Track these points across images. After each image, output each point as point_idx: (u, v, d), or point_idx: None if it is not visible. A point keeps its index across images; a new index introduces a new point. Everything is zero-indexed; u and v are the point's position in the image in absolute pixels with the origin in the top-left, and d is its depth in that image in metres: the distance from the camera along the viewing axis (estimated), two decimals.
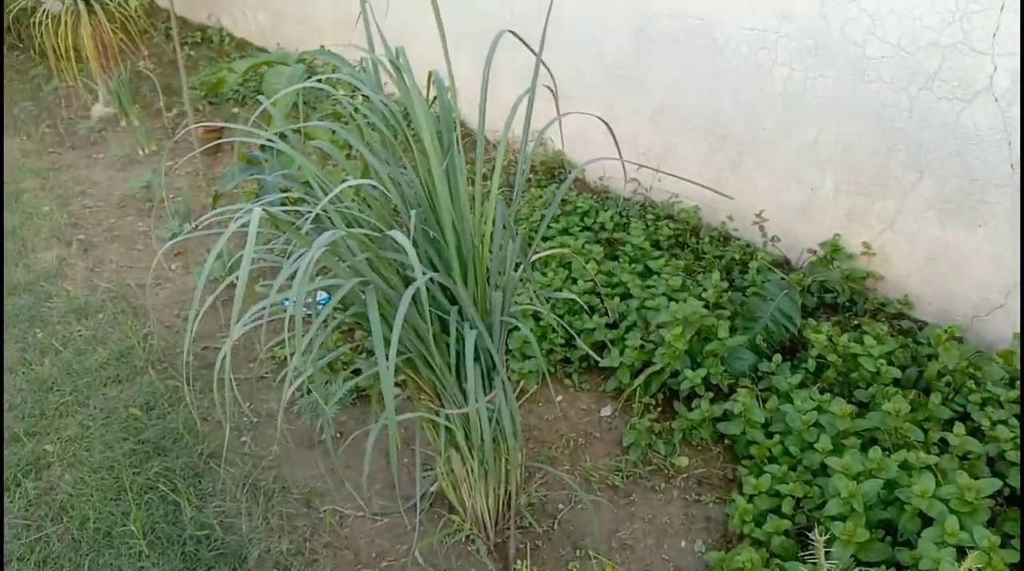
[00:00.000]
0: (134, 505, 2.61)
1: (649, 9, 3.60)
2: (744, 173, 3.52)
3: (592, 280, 3.21)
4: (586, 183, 4.33)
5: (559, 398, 3.02)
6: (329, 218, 2.04)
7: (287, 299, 3.71)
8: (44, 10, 5.39)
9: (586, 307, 3.10)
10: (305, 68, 3.17)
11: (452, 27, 2.24)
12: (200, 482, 2.71)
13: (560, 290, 3.19)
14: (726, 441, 2.72)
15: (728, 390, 2.82)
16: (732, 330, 2.91)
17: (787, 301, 2.87)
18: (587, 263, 3.30)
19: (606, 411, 2.93)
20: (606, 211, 3.76)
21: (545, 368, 3.06)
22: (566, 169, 4.33)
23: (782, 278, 3.03)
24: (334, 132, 2.85)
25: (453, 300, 2.13)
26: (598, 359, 2.95)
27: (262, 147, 3.26)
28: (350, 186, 1.92)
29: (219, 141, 5.34)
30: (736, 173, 3.55)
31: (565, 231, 3.70)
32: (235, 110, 5.99)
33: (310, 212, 2.24)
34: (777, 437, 2.52)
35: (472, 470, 2.35)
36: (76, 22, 5.36)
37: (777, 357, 2.77)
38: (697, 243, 3.59)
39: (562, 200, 4.07)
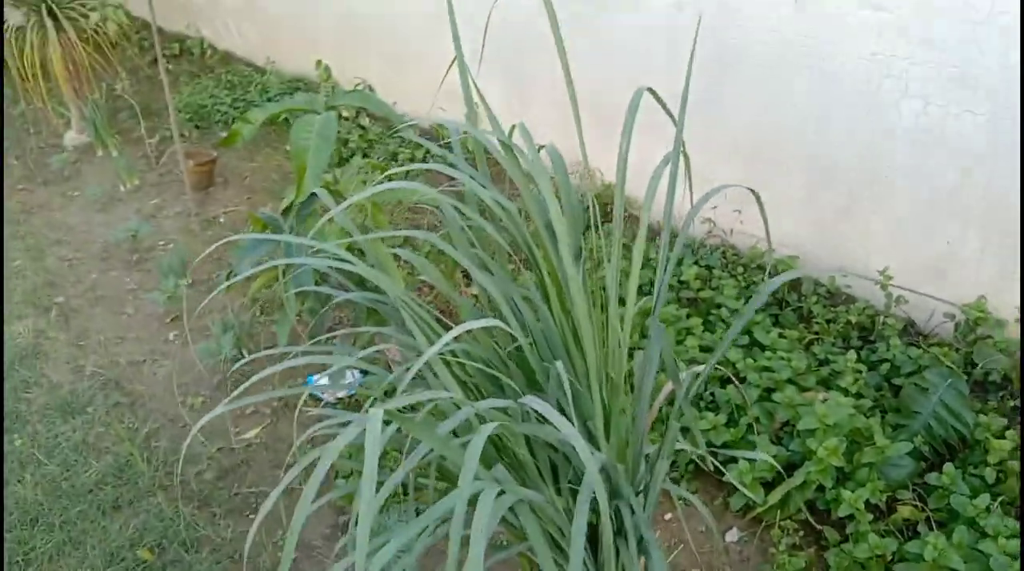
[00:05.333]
0: None
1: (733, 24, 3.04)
2: (857, 220, 2.98)
3: (694, 361, 2.66)
4: (638, 219, 3.77)
5: (667, 515, 2.47)
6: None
7: (311, 378, 3.11)
8: (8, 24, 4.73)
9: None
10: (337, 116, 2.58)
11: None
12: None
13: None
14: None
15: (887, 507, 2.30)
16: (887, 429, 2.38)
17: (953, 394, 2.34)
18: (683, 339, 2.75)
19: (732, 536, 2.38)
20: (689, 266, 3.20)
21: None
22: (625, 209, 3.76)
23: (946, 365, 2.49)
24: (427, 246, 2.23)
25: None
26: (722, 471, 2.40)
27: (284, 211, 2.67)
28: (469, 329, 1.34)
29: (210, 161, 4.73)
30: (846, 220, 3.01)
31: (639, 290, 3.14)
32: (223, 133, 5.36)
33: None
34: None
35: None
36: (43, 40, 4.70)
37: (949, 468, 2.24)
38: (800, 301, 3.05)
39: (624, 245, 3.53)
